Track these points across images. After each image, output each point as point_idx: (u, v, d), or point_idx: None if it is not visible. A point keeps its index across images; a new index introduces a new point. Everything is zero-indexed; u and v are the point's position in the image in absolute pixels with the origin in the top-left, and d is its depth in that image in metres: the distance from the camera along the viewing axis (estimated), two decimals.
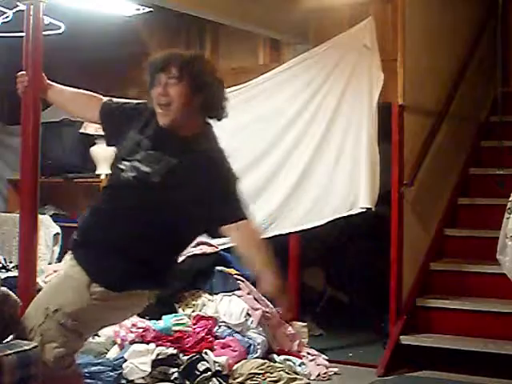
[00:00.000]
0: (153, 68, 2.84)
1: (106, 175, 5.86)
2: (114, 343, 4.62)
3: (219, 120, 2.97)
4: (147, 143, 2.86)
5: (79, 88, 3.15)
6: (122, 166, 2.85)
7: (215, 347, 4.60)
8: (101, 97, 3.14)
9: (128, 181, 2.82)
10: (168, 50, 2.89)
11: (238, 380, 4.46)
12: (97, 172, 5.91)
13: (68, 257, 3.07)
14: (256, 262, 2.81)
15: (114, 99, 3.11)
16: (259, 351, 4.72)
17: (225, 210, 2.84)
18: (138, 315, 4.79)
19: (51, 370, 2.79)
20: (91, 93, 3.18)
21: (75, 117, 3.32)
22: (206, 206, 2.80)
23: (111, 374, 4.31)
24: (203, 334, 4.60)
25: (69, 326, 2.81)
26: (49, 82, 3.31)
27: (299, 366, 4.80)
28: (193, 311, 4.85)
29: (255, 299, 4.99)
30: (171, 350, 4.46)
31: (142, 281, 2.83)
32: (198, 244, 5.22)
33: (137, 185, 2.82)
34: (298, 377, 4.61)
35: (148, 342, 4.46)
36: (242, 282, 5.08)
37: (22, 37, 3.47)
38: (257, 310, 4.88)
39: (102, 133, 3.14)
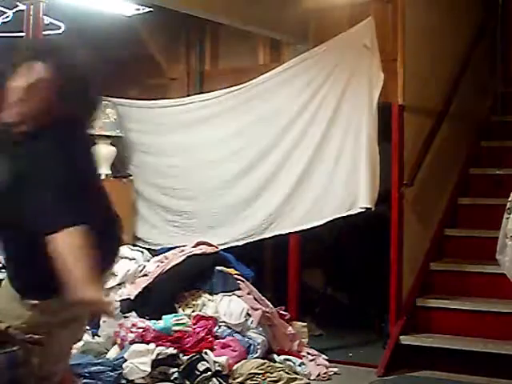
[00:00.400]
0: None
1: (106, 175, 5.87)
2: (114, 343, 4.62)
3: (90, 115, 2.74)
4: None
5: None
6: None
7: (215, 347, 4.60)
8: None
9: None
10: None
11: (238, 380, 4.46)
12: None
13: None
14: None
15: None
16: (259, 351, 4.72)
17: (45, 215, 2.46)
18: (138, 315, 4.80)
19: None
20: None
21: None
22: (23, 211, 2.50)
23: (111, 374, 4.31)
24: (203, 334, 4.60)
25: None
26: None
27: (299, 365, 4.80)
28: (193, 311, 4.85)
29: (255, 299, 4.99)
30: (171, 350, 4.46)
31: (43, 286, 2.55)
32: (198, 244, 5.22)
33: None
34: (298, 377, 4.61)
35: (148, 342, 4.46)
36: (242, 281, 5.08)
37: (22, 37, 3.47)
38: (257, 310, 4.88)
39: None
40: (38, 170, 2.46)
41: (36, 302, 2.56)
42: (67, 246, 2.39)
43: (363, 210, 4.91)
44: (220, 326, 4.79)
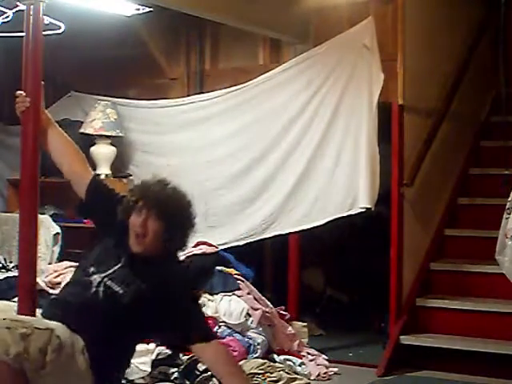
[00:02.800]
0: (136, 196, 3.03)
1: (106, 175, 5.87)
2: None
3: (176, 251, 3.15)
4: (118, 260, 3.02)
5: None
6: (91, 278, 2.99)
7: None
8: (89, 168, 3.32)
9: (96, 295, 2.96)
10: (152, 184, 3.07)
11: None
12: (97, 172, 5.90)
13: None
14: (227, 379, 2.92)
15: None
16: (259, 351, 4.72)
17: (185, 331, 2.97)
18: None
19: None
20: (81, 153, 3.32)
21: (58, 165, 3.36)
22: (166, 327, 3.00)
23: None
24: None
25: None
26: (48, 117, 3.34)
27: (299, 365, 4.80)
28: None
29: (255, 299, 4.99)
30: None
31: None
32: (198, 244, 5.22)
33: (105, 301, 2.95)
34: (298, 377, 4.61)
35: (148, 342, 4.46)
36: (242, 282, 5.08)
37: (22, 37, 3.47)
38: (257, 310, 4.88)
39: (81, 200, 3.27)
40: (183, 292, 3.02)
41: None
42: (219, 354, 2.94)
43: (363, 210, 4.91)
44: (220, 326, 4.79)
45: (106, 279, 2.98)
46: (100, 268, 3.02)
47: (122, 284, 2.97)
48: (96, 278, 2.99)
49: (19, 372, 2.70)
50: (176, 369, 4.40)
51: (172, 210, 3.02)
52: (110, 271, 3.00)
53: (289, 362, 4.80)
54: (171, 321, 2.96)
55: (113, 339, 2.92)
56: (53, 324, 2.84)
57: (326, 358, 5.06)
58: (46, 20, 3.67)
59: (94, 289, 2.97)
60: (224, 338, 4.71)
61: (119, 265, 3.02)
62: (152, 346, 4.44)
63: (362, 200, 4.87)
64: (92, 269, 3.02)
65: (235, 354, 4.57)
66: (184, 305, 2.99)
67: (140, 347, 4.38)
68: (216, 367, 2.98)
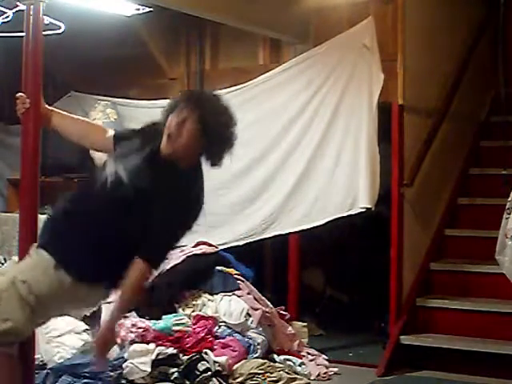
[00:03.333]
0: (182, 100, 2.95)
1: None
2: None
3: (211, 166, 3.08)
4: (139, 158, 2.94)
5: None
6: (107, 169, 2.96)
7: (215, 347, 4.60)
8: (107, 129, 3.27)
9: (105, 184, 2.94)
10: (205, 92, 3.08)
11: (238, 380, 4.46)
12: None
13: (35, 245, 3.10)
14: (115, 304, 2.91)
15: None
16: (259, 351, 4.72)
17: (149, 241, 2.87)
18: (138, 315, 4.80)
19: None
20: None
21: (81, 146, 3.37)
22: (149, 227, 2.86)
23: (111, 373, 4.30)
24: (203, 334, 4.61)
25: (29, 301, 2.88)
26: (48, 107, 3.33)
27: (299, 365, 4.81)
28: (193, 311, 4.85)
29: (255, 299, 4.99)
30: (171, 350, 4.47)
31: (101, 275, 2.93)
32: (198, 244, 5.22)
33: (111, 187, 2.92)
34: (298, 377, 4.62)
35: (148, 342, 4.46)
36: (242, 281, 5.08)
37: (22, 37, 3.47)
38: (257, 310, 4.88)
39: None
40: (180, 207, 2.87)
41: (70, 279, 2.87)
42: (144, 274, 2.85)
43: (363, 210, 4.91)
44: (220, 326, 4.79)
45: (119, 169, 2.91)
46: (117, 160, 2.96)
47: (131, 175, 2.88)
48: (111, 168, 2.94)
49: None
50: (176, 369, 4.40)
51: (215, 120, 2.92)
52: (126, 164, 2.92)
53: (289, 362, 4.80)
54: (151, 225, 2.83)
55: (120, 225, 2.87)
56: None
57: (326, 358, 5.06)
58: (46, 20, 3.66)
59: (106, 179, 2.93)
60: (224, 337, 4.71)
61: (139, 160, 2.91)
62: (152, 346, 4.44)
63: (362, 200, 4.87)
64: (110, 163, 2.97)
65: (235, 353, 4.58)
66: (172, 218, 2.85)
67: (140, 347, 4.41)
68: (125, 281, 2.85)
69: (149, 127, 3.09)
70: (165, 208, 2.85)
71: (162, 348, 4.45)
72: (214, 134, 2.95)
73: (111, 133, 3.22)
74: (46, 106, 3.36)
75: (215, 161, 3.03)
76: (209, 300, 4.91)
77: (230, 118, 3.05)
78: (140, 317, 4.78)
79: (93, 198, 3.00)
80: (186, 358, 4.45)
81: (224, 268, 5.12)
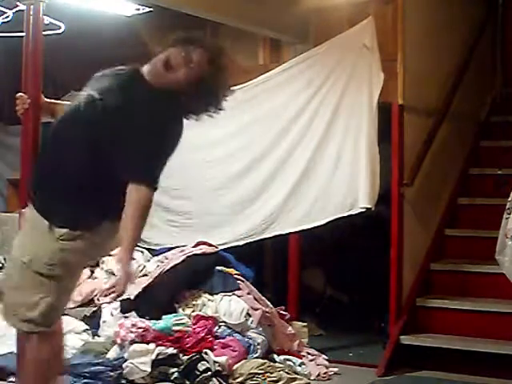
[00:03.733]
0: (197, 41, 2.94)
1: None
2: (114, 343, 4.62)
3: (187, 114, 3.08)
4: (116, 81, 2.96)
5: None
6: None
7: (215, 347, 4.60)
8: None
9: (80, 105, 2.91)
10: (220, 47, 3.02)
11: (238, 380, 4.46)
12: None
13: (27, 209, 3.08)
14: (125, 229, 2.87)
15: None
16: (259, 351, 4.72)
17: (136, 165, 2.84)
18: (138, 315, 4.80)
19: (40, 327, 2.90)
20: None
21: None
22: (128, 152, 2.82)
23: (111, 373, 4.31)
24: (203, 334, 4.60)
25: (45, 272, 2.88)
26: (48, 100, 3.34)
27: (299, 365, 4.80)
28: (193, 311, 4.85)
29: (255, 299, 4.99)
30: (171, 350, 4.46)
31: (96, 216, 2.92)
32: (198, 244, 5.22)
33: (85, 108, 2.89)
34: (298, 377, 4.62)
35: (148, 342, 4.46)
36: (242, 281, 5.08)
37: (22, 37, 3.47)
38: (257, 309, 4.88)
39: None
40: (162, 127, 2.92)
41: (65, 230, 2.85)
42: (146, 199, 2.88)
43: (363, 210, 4.91)
44: (220, 326, 4.79)
45: (93, 92, 2.90)
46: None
47: (103, 94, 2.87)
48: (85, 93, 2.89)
49: None
50: (176, 369, 4.40)
51: (220, 76, 2.92)
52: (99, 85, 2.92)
53: (289, 362, 4.80)
54: (132, 145, 2.82)
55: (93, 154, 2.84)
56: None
57: (326, 357, 5.06)
58: (46, 20, 3.67)
59: (81, 102, 2.89)
60: (224, 337, 4.71)
61: (115, 83, 2.92)
62: (152, 346, 4.44)
63: (362, 200, 4.87)
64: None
65: (235, 353, 4.58)
66: (149, 135, 2.85)
67: (140, 347, 4.41)
68: (127, 207, 2.84)
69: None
70: (143, 126, 2.83)
71: (162, 348, 4.45)
72: (212, 87, 2.93)
73: None
74: (46, 99, 3.35)
75: (195, 111, 3.05)
76: (209, 300, 4.91)
77: (228, 82, 3.01)
78: (140, 317, 4.78)
79: (63, 130, 2.93)
80: (185, 357, 4.45)
81: (224, 268, 5.12)
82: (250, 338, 4.76)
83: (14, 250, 3.04)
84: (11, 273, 3.00)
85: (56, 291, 2.94)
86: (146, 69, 2.96)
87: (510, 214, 4.18)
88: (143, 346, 4.43)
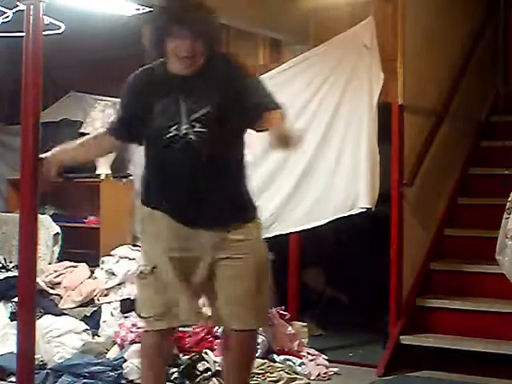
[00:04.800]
0: (167, 19, 3.10)
1: (107, 175, 5.87)
2: (114, 343, 4.62)
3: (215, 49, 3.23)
4: (178, 96, 3.12)
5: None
6: (173, 133, 3.09)
7: (215, 347, 4.60)
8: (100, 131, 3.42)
9: (187, 143, 3.08)
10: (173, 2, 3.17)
11: None
12: (97, 172, 5.91)
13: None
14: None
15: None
16: (259, 351, 4.71)
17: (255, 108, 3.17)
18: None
19: None
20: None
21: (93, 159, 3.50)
22: (243, 113, 3.14)
23: (111, 373, 4.31)
24: (203, 334, 4.60)
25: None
26: (54, 152, 3.39)
27: (299, 365, 4.80)
28: None
29: None
30: None
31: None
32: None
33: (197, 143, 3.09)
34: (298, 377, 4.62)
35: None
36: None
37: (22, 37, 3.47)
38: None
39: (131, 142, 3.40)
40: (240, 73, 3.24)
41: None
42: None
43: (364, 210, 4.91)
44: (220, 326, 4.78)
45: (187, 128, 3.08)
46: (172, 121, 3.09)
47: (202, 106, 3.08)
48: (179, 127, 3.08)
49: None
50: (176, 369, 4.40)
51: (205, 21, 3.12)
52: (181, 118, 3.09)
53: (289, 362, 4.80)
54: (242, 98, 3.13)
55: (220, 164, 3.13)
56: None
57: (326, 357, 5.06)
58: (46, 20, 3.67)
59: (180, 141, 3.07)
60: None
61: (182, 100, 3.11)
62: None
63: (363, 200, 4.87)
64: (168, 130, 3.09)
65: None
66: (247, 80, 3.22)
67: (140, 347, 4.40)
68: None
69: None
70: (244, 88, 3.19)
71: None
72: (211, 30, 3.16)
73: (103, 131, 3.35)
74: (48, 154, 3.39)
75: (217, 44, 3.25)
76: None
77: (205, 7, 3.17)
78: None
79: (183, 158, 3.10)
80: (186, 357, 4.45)
81: None
82: None
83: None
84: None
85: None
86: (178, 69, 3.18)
87: (510, 213, 4.18)
88: None
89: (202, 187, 3.10)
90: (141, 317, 3.23)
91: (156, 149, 3.16)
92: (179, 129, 3.07)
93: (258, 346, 4.73)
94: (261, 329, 4.83)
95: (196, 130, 3.07)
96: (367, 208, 4.88)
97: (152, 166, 3.19)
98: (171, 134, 3.07)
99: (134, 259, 5.34)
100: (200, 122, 3.07)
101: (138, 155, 6.03)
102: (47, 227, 5.63)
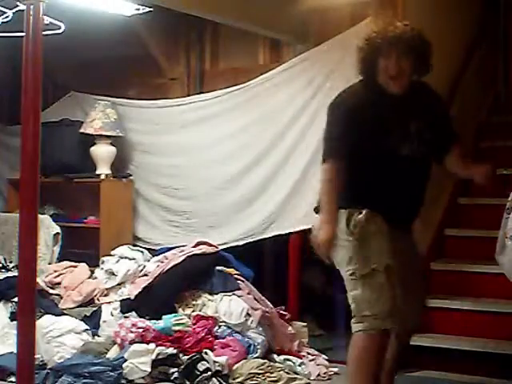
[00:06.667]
0: (382, 44, 3.44)
1: (107, 175, 5.87)
2: (114, 343, 4.62)
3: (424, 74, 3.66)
4: (395, 117, 3.40)
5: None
6: (405, 152, 3.41)
7: (215, 347, 4.60)
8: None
9: (407, 157, 3.41)
10: (391, 28, 3.45)
11: (238, 380, 4.46)
12: (97, 172, 5.91)
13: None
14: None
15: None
16: (259, 351, 4.72)
17: (450, 131, 3.64)
18: (138, 315, 4.81)
19: None
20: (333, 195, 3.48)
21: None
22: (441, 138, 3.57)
23: (111, 373, 4.31)
24: (203, 334, 4.61)
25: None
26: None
27: (299, 365, 4.80)
28: (193, 311, 4.85)
29: (255, 299, 4.99)
30: (171, 350, 4.47)
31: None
32: (198, 244, 5.22)
33: (416, 159, 3.44)
34: (297, 377, 4.61)
35: (148, 342, 4.46)
36: (242, 281, 5.08)
37: (22, 37, 3.47)
38: (257, 310, 4.88)
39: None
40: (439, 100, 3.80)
41: None
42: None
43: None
44: (220, 326, 4.79)
45: (406, 145, 3.39)
46: (404, 140, 3.38)
47: (416, 140, 3.40)
48: (402, 147, 3.39)
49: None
50: (176, 369, 4.40)
51: (417, 46, 3.46)
52: (401, 135, 3.39)
53: (289, 362, 4.80)
54: (443, 125, 3.56)
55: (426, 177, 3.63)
56: None
57: (326, 358, 5.06)
58: (46, 20, 3.67)
59: (403, 155, 3.40)
60: (224, 337, 4.71)
61: (408, 120, 3.41)
62: (152, 346, 4.44)
63: None
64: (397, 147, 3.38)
65: (235, 353, 4.58)
66: (446, 109, 3.73)
67: (140, 347, 4.41)
68: (454, 168, 3.65)
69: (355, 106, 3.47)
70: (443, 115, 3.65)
71: (162, 348, 4.45)
72: (421, 50, 3.51)
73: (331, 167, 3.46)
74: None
75: (427, 69, 3.62)
76: (209, 300, 4.91)
77: (415, 30, 3.50)
78: (140, 317, 4.79)
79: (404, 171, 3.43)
80: (186, 358, 4.45)
81: (224, 268, 5.12)
82: (250, 338, 4.76)
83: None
84: None
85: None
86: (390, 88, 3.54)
87: (509, 213, 4.17)
88: (143, 346, 4.43)
89: (417, 201, 3.56)
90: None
91: (384, 165, 3.40)
92: (410, 147, 3.40)
93: (258, 346, 4.73)
94: (260, 329, 4.84)
95: (420, 149, 3.42)
96: None
97: (374, 179, 3.41)
98: (404, 153, 3.39)
99: (134, 259, 5.34)
100: (423, 141, 3.43)
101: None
102: (47, 227, 5.63)
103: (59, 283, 5.36)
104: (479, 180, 3.54)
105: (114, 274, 5.30)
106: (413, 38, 3.42)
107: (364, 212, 3.36)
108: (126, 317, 4.86)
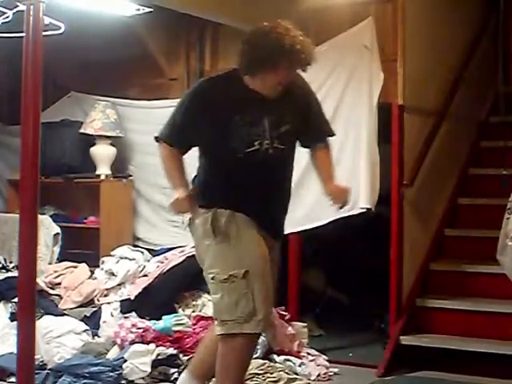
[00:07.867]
0: (296, 59, 3.35)
1: (107, 175, 5.87)
2: (114, 343, 4.62)
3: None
4: (261, 113, 3.33)
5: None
6: (255, 147, 3.33)
7: None
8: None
9: (267, 155, 3.36)
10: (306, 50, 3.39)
11: None
12: (97, 172, 5.91)
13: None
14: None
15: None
16: (259, 351, 4.71)
17: (321, 124, 3.62)
18: (138, 316, 4.80)
19: None
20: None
21: None
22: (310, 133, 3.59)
23: (111, 374, 4.31)
24: (203, 334, 4.60)
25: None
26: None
27: (299, 366, 4.80)
28: (193, 311, 4.85)
29: None
30: (171, 351, 4.47)
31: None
32: None
33: (275, 156, 3.40)
34: (297, 377, 4.61)
35: (148, 343, 4.46)
36: None
37: (22, 37, 3.47)
38: None
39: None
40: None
41: None
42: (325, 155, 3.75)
43: (364, 211, 4.91)
44: None
45: (267, 143, 3.34)
46: (257, 136, 3.32)
47: (283, 123, 3.38)
48: (257, 145, 3.32)
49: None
50: (176, 369, 4.41)
51: (302, 56, 3.37)
52: (263, 134, 3.33)
53: (289, 363, 4.79)
54: (313, 118, 3.50)
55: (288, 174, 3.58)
56: None
57: (326, 358, 5.06)
58: (46, 20, 3.67)
59: (262, 154, 3.34)
60: None
61: (265, 116, 3.32)
62: (152, 346, 4.44)
63: (363, 200, 4.87)
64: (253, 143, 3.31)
65: None
66: (318, 103, 3.56)
67: (140, 347, 4.41)
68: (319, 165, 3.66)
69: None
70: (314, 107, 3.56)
71: (162, 348, 4.45)
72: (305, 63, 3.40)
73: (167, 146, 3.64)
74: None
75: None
76: (209, 300, 4.90)
77: (302, 41, 3.44)
78: (140, 317, 4.78)
79: (262, 169, 3.37)
80: (186, 358, 4.45)
81: None
82: None
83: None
84: None
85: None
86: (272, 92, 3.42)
87: (510, 214, 4.18)
88: (143, 347, 4.43)
89: (272, 198, 3.43)
90: None
91: (232, 159, 3.32)
92: (262, 143, 3.31)
93: (258, 347, 4.73)
94: None
95: (275, 145, 3.36)
96: (367, 208, 4.88)
97: (224, 174, 3.37)
98: (254, 148, 3.30)
99: (134, 259, 5.34)
100: (279, 138, 3.36)
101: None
102: (47, 227, 5.62)
103: (59, 284, 5.36)
104: (333, 200, 3.65)
105: (114, 274, 5.30)
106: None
107: (227, 213, 3.31)
108: (125, 317, 4.86)
